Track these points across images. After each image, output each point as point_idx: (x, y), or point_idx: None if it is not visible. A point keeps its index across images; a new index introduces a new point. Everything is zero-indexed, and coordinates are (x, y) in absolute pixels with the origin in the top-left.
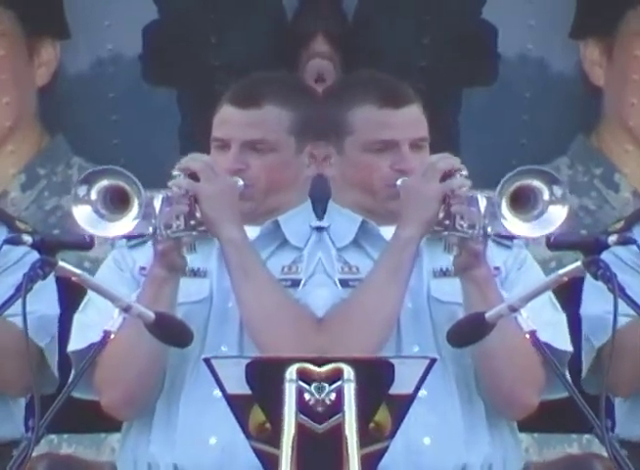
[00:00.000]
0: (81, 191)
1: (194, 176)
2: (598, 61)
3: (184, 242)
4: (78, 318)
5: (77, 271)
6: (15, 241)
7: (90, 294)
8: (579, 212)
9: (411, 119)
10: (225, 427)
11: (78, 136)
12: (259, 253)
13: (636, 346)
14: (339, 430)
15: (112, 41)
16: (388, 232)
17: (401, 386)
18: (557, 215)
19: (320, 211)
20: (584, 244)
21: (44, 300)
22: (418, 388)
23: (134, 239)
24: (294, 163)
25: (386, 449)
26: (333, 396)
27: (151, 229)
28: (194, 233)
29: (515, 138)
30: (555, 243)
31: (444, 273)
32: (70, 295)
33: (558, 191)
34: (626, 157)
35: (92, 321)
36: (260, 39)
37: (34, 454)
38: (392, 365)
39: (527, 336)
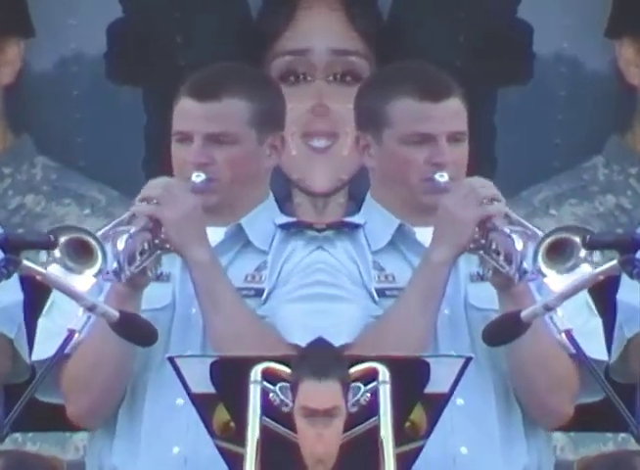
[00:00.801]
0: (43, 255)
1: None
2: (633, 60)
3: (148, 266)
4: (43, 324)
5: (42, 270)
6: None
7: (54, 297)
8: (615, 211)
9: (450, 113)
10: (188, 436)
11: (43, 135)
12: (224, 260)
13: None
14: (374, 431)
15: (76, 40)
16: (422, 234)
17: (437, 385)
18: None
19: (355, 205)
20: (620, 243)
21: (4, 290)
22: (454, 387)
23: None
24: (256, 154)
25: (421, 449)
26: (368, 396)
27: (115, 265)
28: (158, 253)
29: (549, 137)
30: (591, 242)
31: (481, 277)
32: (34, 290)
33: (596, 254)
34: None
35: (57, 327)
36: (226, 39)
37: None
38: (428, 364)
39: (563, 335)
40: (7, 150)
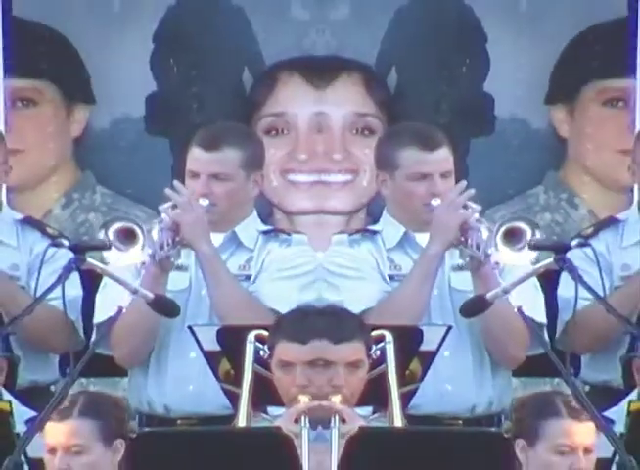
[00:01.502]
0: (101, 234)
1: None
2: (564, 119)
3: (172, 254)
4: (99, 298)
5: (101, 265)
6: (57, 244)
7: (105, 281)
8: (551, 224)
9: (442, 158)
10: (199, 378)
11: (101, 171)
12: (224, 255)
13: (590, 322)
14: (384, 376)
15: (124, 105)
16: (422, 238)
17: (428, 345)
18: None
19: (372, 218)
20: (555, 246)
21: (71, 287)
22: (440, 346)
23: None
24: (244, 188)
25: (417, 389)
26: (378, 352)
27: (150, 250)
28: (178, 247)
29: (506, 173)
30: (535, 245)
31: (460, 268)
32: (90, 281)
33: (538, 234)
34: (583, 186)
35: (108, 299)
36: (227, 105)
37: (71, 392)
38: (422, 330)
39: (515, 310)
40: (76, 182)
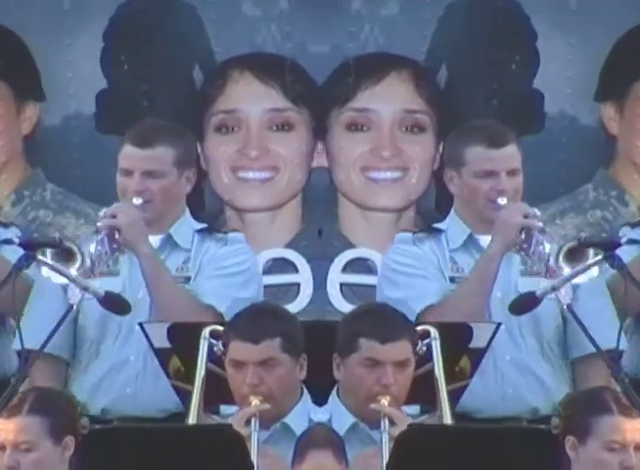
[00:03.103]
0: (39, 254)
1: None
2: (613, 117)
3: (109, 264)
4: (24, 322)
5: (50, 262)
6: (7, 242)
7: (30, 301)
8: (601, 222)
9: (508, 156)
10: (137, 381)
11: (51, 168)
12: (161, 256)
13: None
14: (431, 372)
15: (75, 103)
16: (485, 240)
17: (478, 342)
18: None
19: (421, 216)
20: (605, 243)
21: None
22: (489, 343)
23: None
24: (177, 184)
25: (467, 386)
26: (424, 348)
27: (89, 262)
28: (116, 253)
29: (555, 171)
30: (585, 243)
31: (529, 274)
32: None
33: (600, 255)
34: (633, 183)
35: (35, 323)
36: (177, 102)
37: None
38: (472, 327)
39: (566, 307)
40: (26, 179)
